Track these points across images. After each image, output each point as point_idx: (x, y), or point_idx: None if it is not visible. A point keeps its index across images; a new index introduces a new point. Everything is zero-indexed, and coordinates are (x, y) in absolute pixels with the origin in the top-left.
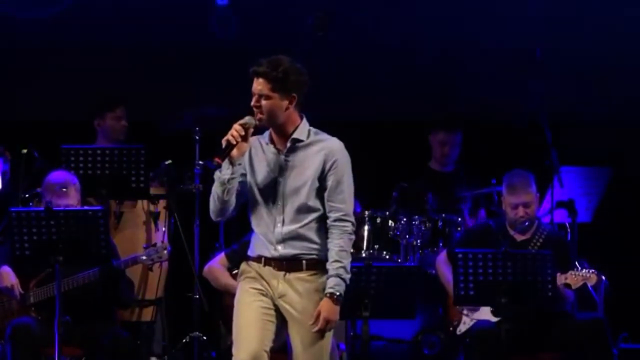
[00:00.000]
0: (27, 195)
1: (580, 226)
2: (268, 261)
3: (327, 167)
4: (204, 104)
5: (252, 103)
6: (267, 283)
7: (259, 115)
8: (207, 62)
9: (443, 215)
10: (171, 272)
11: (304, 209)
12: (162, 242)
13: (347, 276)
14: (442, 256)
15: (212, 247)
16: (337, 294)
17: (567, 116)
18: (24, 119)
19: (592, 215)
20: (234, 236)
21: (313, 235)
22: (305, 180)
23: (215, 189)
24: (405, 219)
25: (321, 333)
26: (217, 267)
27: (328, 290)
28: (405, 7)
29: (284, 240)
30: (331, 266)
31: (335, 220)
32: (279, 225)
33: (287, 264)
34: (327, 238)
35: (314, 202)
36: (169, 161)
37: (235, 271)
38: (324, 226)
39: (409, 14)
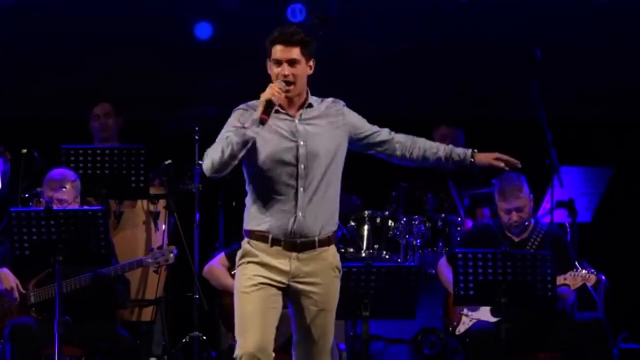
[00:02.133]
0: (27, 195)
1: (580, 226)
2: (277, 241)
3: (355, 123)
4: (204, 104)
5: (282, 72)
6: (275, 267)
7: (289, 86)
8: (207, 62)
9: (443, 215)
10: (171, 272)
11: (326, 175)
12: (169, 245)
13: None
14: (443, 261)
15: (212, 247)
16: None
17: (567, 116)
18: (24, 119)
19: (592, 215)
20: (234, 236)
21: (329, 206)
22: (329, 144)
23: (234, 146)
24: (405, 219)
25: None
26: (217, 267)
27: (469, 151)
28: (405, 7)
29: (307, 207)
30: (445, 146)
31: (394, 134)
32: (302, 190)
33: (301, 244)
34: (396, 153)
35: (334, 169)
36: (169, 161)
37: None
38: (336, 198)
39: (409, 13)
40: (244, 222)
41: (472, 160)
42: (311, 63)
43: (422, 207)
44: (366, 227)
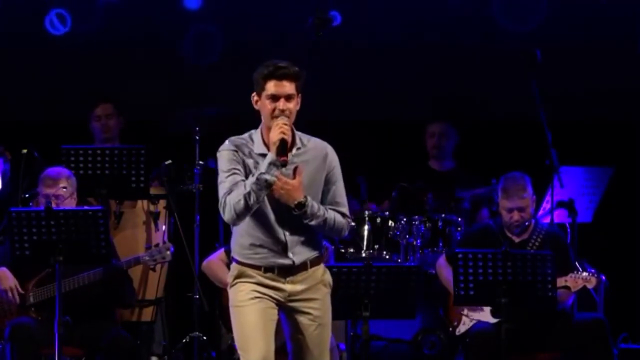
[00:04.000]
0: (27, 195)
1: (580, 226)
2: (270, 269)
3: (330, 169)
4: (204, 104)
5: (279, 107)
6: (271, 285)
7: (287, 122)
8: (207, 62)
9: (443, 215)
10: (171, 272)
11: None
12: (165, 242)
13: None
14: (442, 260)
15: (212, 247)
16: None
17: (567, 116)
18: (24, 119)
19: (592, 215)
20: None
21: (316, 237)
22: (313, 188)
23: (256, 193)
24: (405, 219)
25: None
26: (216, 262)
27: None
28: (405, 7)
29: (294, 247)
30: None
31: (342, 216)
32: (288, 233)
33: (295, 269)
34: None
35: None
36: (169, 161)
37: None
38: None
39: (409, 13)
40: (231, 248)
41: None
42: (299, 99)
43: (422, 207)
44: (366, 227)
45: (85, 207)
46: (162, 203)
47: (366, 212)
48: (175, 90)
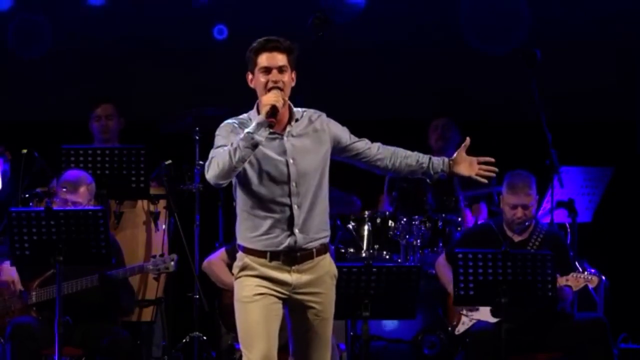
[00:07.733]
0: (27, 195)
1: (580, 226)
2: (276, 255)
3: (333, 132)
4: (204, 104)
5: (272, 78)
6: (275, 279)
7: (280, 93)
8: (207, 62)
9: (443, 215)
10: (171, 272)
11: (317, 189)
12: (169, 248)
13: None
14: (442, 259)
15: (212, 247)
16: None
17: (567, 116)
18: (24, 119)
19: (592, 215)
20: (234, 236)
21: (323, 216)
22: (317, 159)
23: (242, 150)
24: (405, 219)
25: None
26: (216, 262)
27: (447, 159)
28: (405, 7)
29: (303, 223)
30: (424, 155)
31: (374, 144)
32: (296, 207)
33: (300, 256)
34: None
35: (323, 181)
36: (169, 161)
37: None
38: (327, 206)
39: (409, 13)
40: (237, 235)
41: (450, 167)
42: (293, 75)
43: (422, 207)
44: (366, 227)
45: (85, 207)
46: (162, 203)
47: (366, 212)
48: (176, 90)
